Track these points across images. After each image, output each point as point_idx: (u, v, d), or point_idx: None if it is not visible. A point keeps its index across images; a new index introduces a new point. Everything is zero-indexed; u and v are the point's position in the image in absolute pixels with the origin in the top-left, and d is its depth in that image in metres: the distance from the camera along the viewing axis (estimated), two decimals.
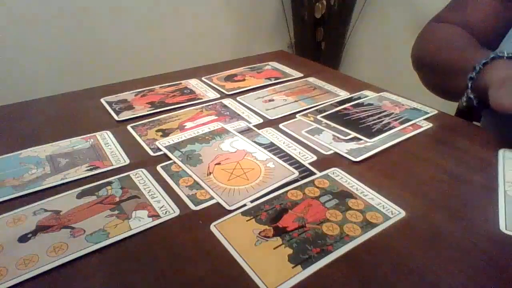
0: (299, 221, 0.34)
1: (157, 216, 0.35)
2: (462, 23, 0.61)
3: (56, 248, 0.31)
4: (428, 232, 0.33)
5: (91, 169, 0.42)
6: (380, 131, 0.48)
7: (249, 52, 0.83)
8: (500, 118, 0.57)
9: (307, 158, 0.43)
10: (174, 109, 0.57)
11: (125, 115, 0.55)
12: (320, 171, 0.41)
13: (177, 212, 0.35)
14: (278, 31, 1.77)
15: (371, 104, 0.56)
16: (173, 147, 0.46)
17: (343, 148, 0.45)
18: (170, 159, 0.44)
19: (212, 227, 0.33)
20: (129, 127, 0.52)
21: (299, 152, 0.45)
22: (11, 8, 1.22)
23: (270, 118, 0.53)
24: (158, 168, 0.42)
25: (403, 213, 0.35)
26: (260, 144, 0.46)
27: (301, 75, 0.68)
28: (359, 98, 0.58)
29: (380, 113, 0.53)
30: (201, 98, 0.60)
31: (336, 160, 0.43)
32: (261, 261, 0.30)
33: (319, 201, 0.36)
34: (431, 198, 0.37)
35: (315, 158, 0.43)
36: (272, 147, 0.45)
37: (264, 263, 0.30)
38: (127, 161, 0.44)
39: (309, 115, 0.53)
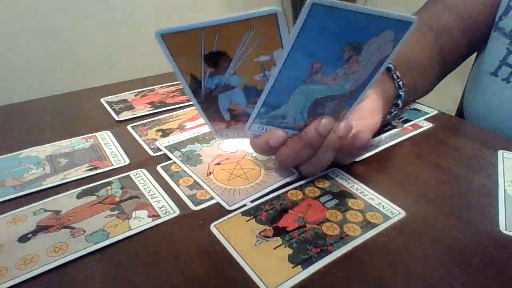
0: (299, 221, 0.34)
1: (157, 216, 0.35)
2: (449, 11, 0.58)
3: (56, 248, 0.31)
4: (428, 232, 0.33)
5: (91, 169, 0.42)
6: (380, 131, 0.48)
7: None
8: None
9: None
10: (174, 109, 0.57)
11: (125, 115, 0.55)
12: None
13: (177, 212, 0.35)
14: None
15: None
16: (173, 147, 0.46)
17: None
18: (170, 159, 0.44)
19: (212, 227, 0.33)
20: (129, 127, 0.52)
21: None
22: (11, 8, 1.22)
23: None
24: (158, 168, 0.42)
25: (403, 213, 0.35)
26: None
27: None
28: None
29: None
30: None
31: None
32: (261, 261, 0.30)
33: (319, 201, 0.36)
34: (431, 198, 0.37)
35: None
36: None
37: (264, 263, 0.30)
38: (127, 161, 0.44)
39: None
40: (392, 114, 0.48)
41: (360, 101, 0.37)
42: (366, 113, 0.40)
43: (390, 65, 0.47)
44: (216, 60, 0.31)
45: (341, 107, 0.36)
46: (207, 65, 0.32)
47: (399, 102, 0.47)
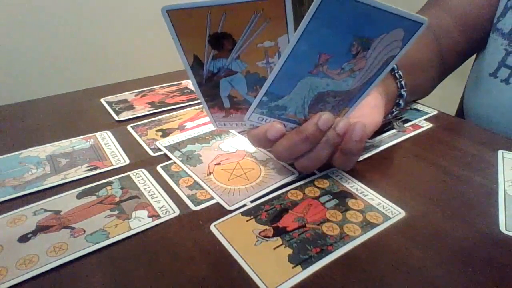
0: (299, 221, 0.34)
1: (157, 216, 0.35)
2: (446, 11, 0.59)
3: (56, 248, 0.31)
4: (428, 232, 0.33)
5: (91, 169, 0.42)
6: (380, 131, 0.48)
7: None
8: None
9: None
10: (174, 109, 0.57)
11: (125, 115, 0.55)
12: (320, 171, 0.41)
13: (177, 212, 0.35)
14: None
15: None
16: (173, 147, 0.46)
17: None
18: (170, 159, 0.44)
19: (212, 227, 0.33)
20: (129, 127, 0.52)
21: None
22: (10, 8, 1.22)
23: None
24: (158, 168, 0.42)
25: (403, 213, 0.35)
26: None
27: None
28: None
29: None
30: None
31: None
32: (261, 261, 0.30)
33: (319, 201, 0.36)
34: (431, 198, 0.37)
35: None
36: None
37: (264, 263, 0.30)
38: (127, 161, 0.44)
39: None
40: (393, 114, 0.48)
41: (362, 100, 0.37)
42: (367, 111, 0.40)
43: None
44: (221, 41, 0.31)
45: (343, 105, 0.36)
46: (211, 47, 0.32)
47: (401, 101, 0.47)
